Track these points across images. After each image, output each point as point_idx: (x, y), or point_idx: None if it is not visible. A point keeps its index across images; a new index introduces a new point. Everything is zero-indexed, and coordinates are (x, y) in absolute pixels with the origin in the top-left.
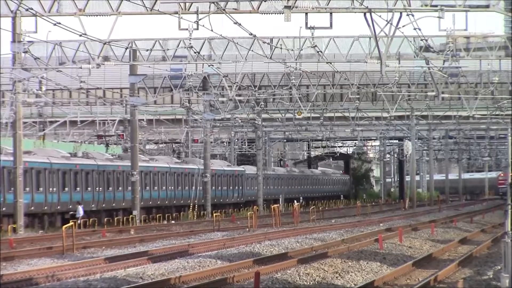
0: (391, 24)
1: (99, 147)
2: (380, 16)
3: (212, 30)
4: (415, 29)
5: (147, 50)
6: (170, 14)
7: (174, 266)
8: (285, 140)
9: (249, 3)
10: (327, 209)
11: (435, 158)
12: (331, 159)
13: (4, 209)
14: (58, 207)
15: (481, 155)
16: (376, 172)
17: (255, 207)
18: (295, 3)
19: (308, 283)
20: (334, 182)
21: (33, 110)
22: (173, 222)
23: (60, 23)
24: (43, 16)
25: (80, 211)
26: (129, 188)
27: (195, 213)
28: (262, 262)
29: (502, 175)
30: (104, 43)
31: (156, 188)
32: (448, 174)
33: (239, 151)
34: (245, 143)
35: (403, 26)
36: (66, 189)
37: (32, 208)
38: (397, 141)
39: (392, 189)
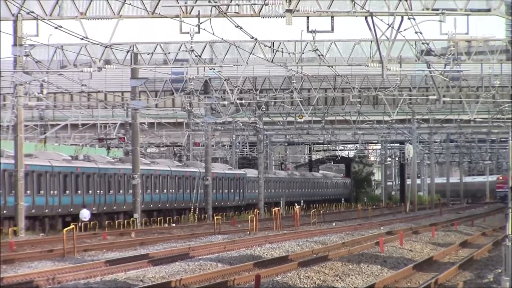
0: (393, 27)
1: (100, 150)
2: (381, 20)
3: (213, 34)
4: (416, 32)
5: (149, 54)
6: (171, 17)
7: (174, 269)
8: (286, 144)
9: (250, 7)
10: (328, 212)
11: (436, 161)
12: (332, 163)
13: (5, 212)
14: (59, 210)
15: (482, 159)
16: (378, 176)
17: (256, 210)
18: (296, 7)
19: (309, 286)
20: (335, 185)
21: (34, 113)
22: (174, 225)
23: (61, 27)
24: (44, 19)
25: (85, 214)
26: (130, 191)
27: (196, 216)
28: (262, 265)
29: (500, 178)
30: (106, 47)
31: (157, 191)
32: (449, 177)
33: (240, 155)
34: (246, 146)
35: (405, 30)
36: (67, 192)
37: (33, 211)
38: (398, 144)
39: (393, 193)
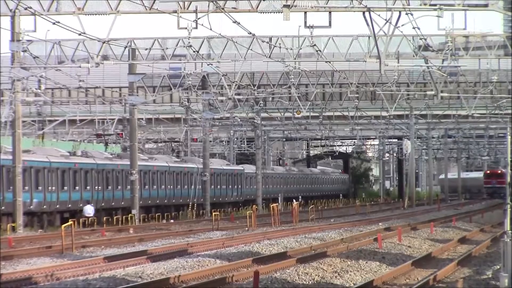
0: (390, 23)
1: (98, 146)
2: (379, 15)
3: (211, 29)
4: (414, 28)
5: (146, 49)
6: (169, 13)
7: (173, 265)
8: (284, 139)
9: (248, 2)
10: (326, 208)
11: (434, 157)
12: (330, 158)
13: (3, 208)
14: (57, 206)
15: (480, 154)
16: (376, 171)
17: (254, 206)
18: (294, 2)
19: (307, 283)
20: (333, 181)
21: (32, 109)
22: (172, 221)
23: (59, 22)
24: (42, 15)
25: (89, 210)
26: (128, 187)
27: (194, 212)
28: (261, 262)
29: (488, 172)
30: (103, 42)
31: (155, 187)
32: (447, 173)
33: (238, 150)
34: (244, 142)
35: (402, 25)
36: (65, 188)
37: (31, 207)
38: (396, 140)
39: (391, 188)
